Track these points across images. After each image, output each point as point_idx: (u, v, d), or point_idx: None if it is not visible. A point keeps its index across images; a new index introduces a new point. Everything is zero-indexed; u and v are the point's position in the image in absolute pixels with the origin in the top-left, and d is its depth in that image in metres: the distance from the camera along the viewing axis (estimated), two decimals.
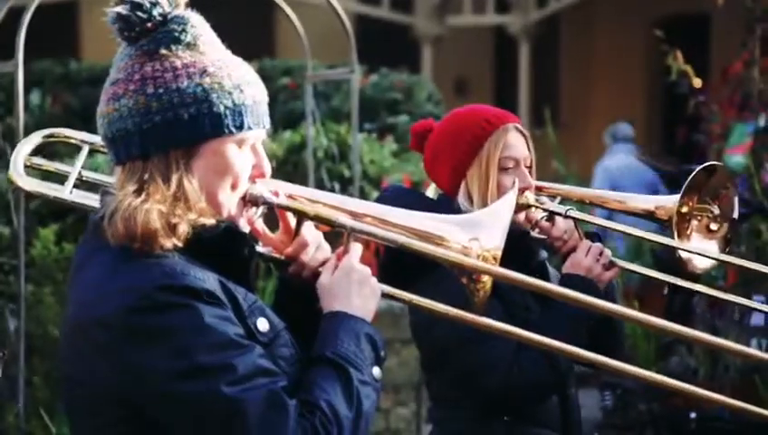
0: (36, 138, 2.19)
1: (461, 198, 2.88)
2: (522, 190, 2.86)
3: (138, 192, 1.87)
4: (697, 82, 6.87)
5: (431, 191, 3.06)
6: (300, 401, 1.85)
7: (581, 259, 2.91)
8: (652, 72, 13.30)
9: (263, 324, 1.91)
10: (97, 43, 13.43)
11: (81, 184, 2.18)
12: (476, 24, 14.39)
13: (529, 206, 2.92)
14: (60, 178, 2.21)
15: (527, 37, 13.65)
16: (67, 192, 2.11)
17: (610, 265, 2.92)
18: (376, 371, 1.95)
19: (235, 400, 1.79)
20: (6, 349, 4.59)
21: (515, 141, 2.88)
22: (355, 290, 1.98)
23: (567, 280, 2.86)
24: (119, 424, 1.86)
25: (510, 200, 2.14)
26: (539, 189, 3.01)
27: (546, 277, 2.93)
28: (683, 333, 2.12)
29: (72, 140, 2.22)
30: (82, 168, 2.19)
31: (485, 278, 2.07)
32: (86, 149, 2.16)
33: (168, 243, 1.85)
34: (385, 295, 2.06)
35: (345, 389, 1.88)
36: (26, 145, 2.17)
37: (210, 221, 1.89)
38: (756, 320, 4.99)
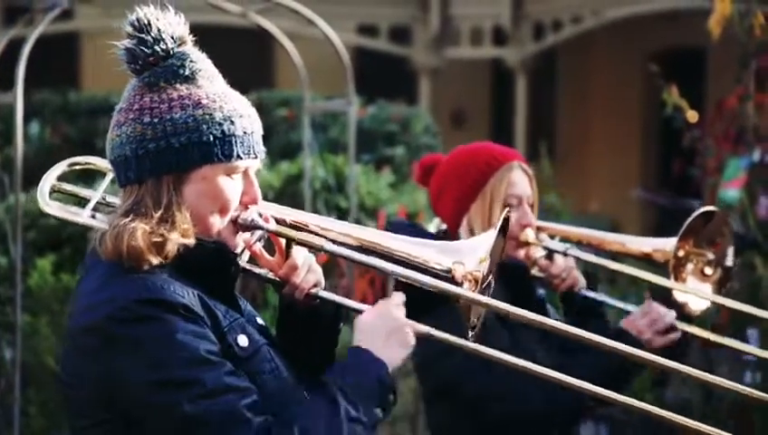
0: (61, 166, 2.30)
1: (462, 233, 2.92)
2: (523, 227, 2.91)
3: (127, 213, 2.01)
4: (693, 117, 6.90)
5: (433, 226, 3.10)
6: (278, 417, 1.94)
7: (635, 319, 2.91)
8: (648, 105, 13.37)
9: (242, 340, 2.02)
10: (98, 74, 13.48)
11: (107, 207, 2.25)
12: (474, 57, 14.46)
13: (529, 243, 2.96)
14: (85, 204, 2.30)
15: (524, 70, 13.72)
16: (86, 216, 2.20)
17: (669, 329, 2.90)
18: (378, 411, 2.02)
19: (198, 414, 1.89)
20: (2, 379, 4.60)
21: (519, 180, 2.93)
22: (384, 334, 2.08)
23: (615, 335, 2.83)
24: (102, 425, 1.98)
25: (492, 232, 2.20)
26: (538, 229, 3.04)
27: (545, 315, 2.94)
28: (677, 368, 2.19)
29: (96, 167, 2.32)
30: (107, 192, 2.28)
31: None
32: (110, 175, 2.25)
33: (155, 260, 1.97)
34: (421, 337, 2.13)
35: (329, 419, 1.95)
36: (52, 173, 2.27)
37: (191, 241, 2.01)
38: (751, 345, 5.00)
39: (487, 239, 2.18)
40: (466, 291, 2.13)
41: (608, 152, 14.52)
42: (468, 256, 2.16)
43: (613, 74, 14.42)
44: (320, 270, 2.17)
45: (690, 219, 2.96)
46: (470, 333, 2.16)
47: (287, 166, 7.56)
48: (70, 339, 2.03)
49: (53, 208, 2.21)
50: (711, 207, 3.08)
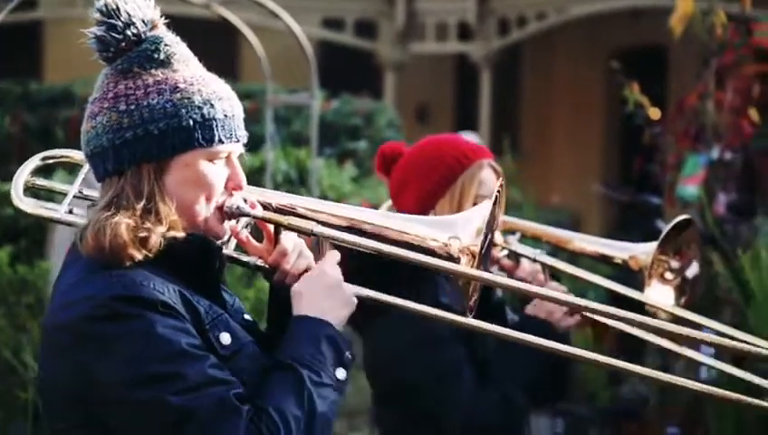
0: (35, 160, 2.21)
1: None
2: None
3: (108, 206, 1.93)
4: (655, 114, 6.95)
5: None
6: (252, 405, 1.89)
7: (544, 302, 2.85)
8: (610, 102, 13.44)
9: (225, 338, 1.95)
10: (61, 64, 13.37)
11: (85, 200, 2.17)
12: (439, 52, 14.48)
13: (494, 244, 2.90)
14: (61, 198, 2.21)
15: (489, 65, 13.75)
16: (63, 212, 2.12)
17: (574, 311, 2.87)
18: (340, 372, 1.97)
19: (185, 408, 1.84)
20: None
21: (489, 179, 2.85)
22: (323, 294, 2.02)
23: (525, 321, 2.84)
24: (81, 428, 1.91)
25: (485, 208, 2.14)
26: (506, 226, 3.01)
27: (504, 317, 2.91)
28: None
29: (71, 160, 2.24)
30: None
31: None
32: (86, 167, 2.16)
33: (139, 254, 1.91)
34: (363, 299, 2.08)
35: (296, 391, 1.91)
36: (26, 168, 2.19)
37: (180, 234, 1.95)
38: (706, 348, 5.05)
39: (482, 211, 2.12)
40: (466, 267, 2.08)
41: (570, 147, 14.59)
42: (463, 230, 2.10)
43: (576, 71, 14.48)
44: (310, 255, 2.10)
45: (668, 228, 2.92)
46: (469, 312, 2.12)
47: (249, 158, 7.53)
48: (45, 337, 1.97)
49: (28, 205, 2.13)
50: (687, 217, 3.03)
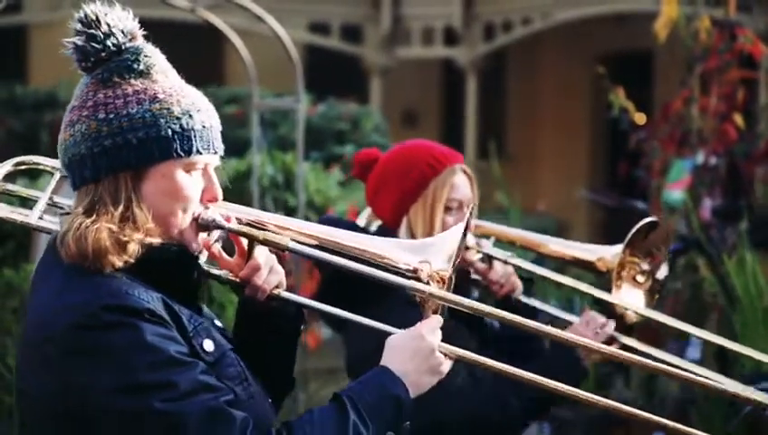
0: (7, 166, 2.24)
1: (402, 233, 2.89)
2: None
3: (88, 213, 1.94)
4: (641, 118, 6.98)
5: (362, 219, 3.08)
6: (284, 423, 1.92)
7: (577, 330, 2.86)
8: (596, 106, 13.49)
9: (208, 345, 1.97)
10: (46, 67, 13.33)
11: (53, 208, 2.22)
12: (425, 57, 14.49)
13: (468, 248, 2.92)
14: (32, 205, 2.26)
15: (475, 70, 13.78)
16: (35, 217, 2.15)
17: (611, 340, 2.86)
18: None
19: (175, 414, 1.84)
20: None
21: (461, 183, 2.90)
22: (410, 355, 2.02)
23: (554, 350, 2.86)
24: None
25: (458, 230, 2.15)
26: (478, 229, 3.03)
27: (479, 319, 2.91)
28: (624, 357, 2.18)
29: (42, 167, 2.26)
30: (54, 193, 2.23)
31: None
32: (57, 175, 2.20)
33: (119, 261, 1.92)
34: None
35: (337, 429, 1.91)
36: None
37: (156, 241, 1.96)
38: (692, 354, 5.07)
39: (454, 237, 2.12)
40: (434, 288, 2.08)
41: (556, 152, 14.63)
42: (435, 255, 2.11)
43: (562, 75, 14.52)
44: (282, 270, 2.12)
45: (634, 230, 2.94)
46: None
47: (235, 163, 7.53)
48: (28, 348, 1.94)
49: (1, 210, 2.14)
50: (654, 219, 3.05)
